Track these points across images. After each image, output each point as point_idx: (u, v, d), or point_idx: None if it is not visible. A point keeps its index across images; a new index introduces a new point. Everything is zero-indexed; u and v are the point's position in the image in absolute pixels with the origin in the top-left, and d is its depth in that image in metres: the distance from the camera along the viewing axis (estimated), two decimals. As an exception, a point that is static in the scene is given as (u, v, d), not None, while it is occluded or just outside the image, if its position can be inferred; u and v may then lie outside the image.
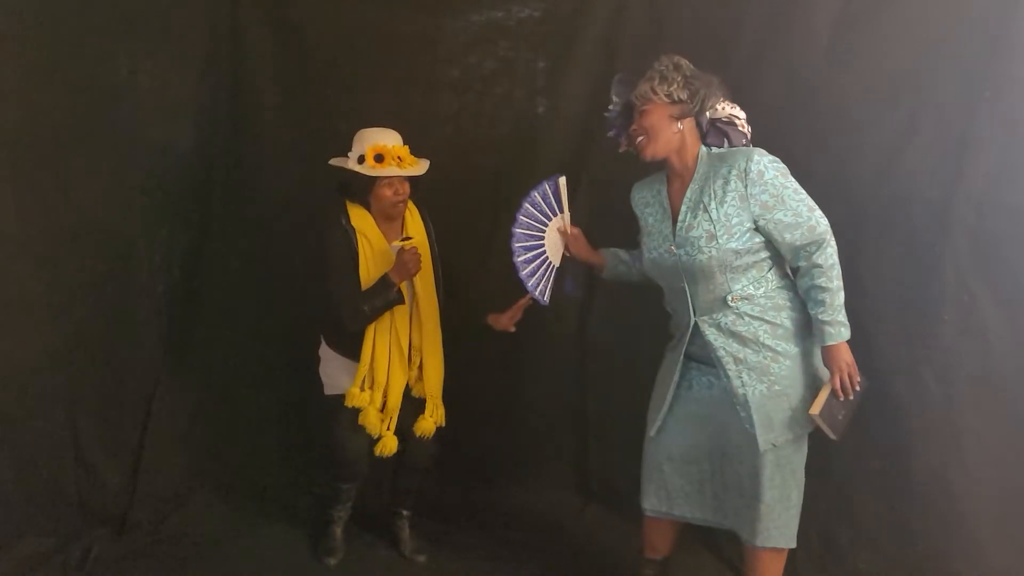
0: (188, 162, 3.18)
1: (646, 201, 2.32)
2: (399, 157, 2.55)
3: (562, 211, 2.33)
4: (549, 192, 2.29)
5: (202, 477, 3.23)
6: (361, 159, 2.55)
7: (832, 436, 2.13)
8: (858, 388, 2.13)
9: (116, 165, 2.96)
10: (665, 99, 2.14)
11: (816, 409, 2.09)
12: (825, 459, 2.41)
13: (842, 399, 2.12)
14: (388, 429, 2.63)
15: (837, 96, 2.56)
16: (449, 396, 2.75)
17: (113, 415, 3.04)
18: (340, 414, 2.66)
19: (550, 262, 2.34)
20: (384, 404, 2.64)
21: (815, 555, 2.63)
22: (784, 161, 2.12)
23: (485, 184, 3.11)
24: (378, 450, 2.63)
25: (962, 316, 2.41)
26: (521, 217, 2.29)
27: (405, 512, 2.90)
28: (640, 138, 2.17)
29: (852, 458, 2.32)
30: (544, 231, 2.31)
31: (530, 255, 2.30)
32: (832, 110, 2.57)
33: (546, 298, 2.35)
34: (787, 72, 2.63)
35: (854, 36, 2.54)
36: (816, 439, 2.20)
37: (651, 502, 2.35)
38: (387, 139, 2.58)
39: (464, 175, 2.98)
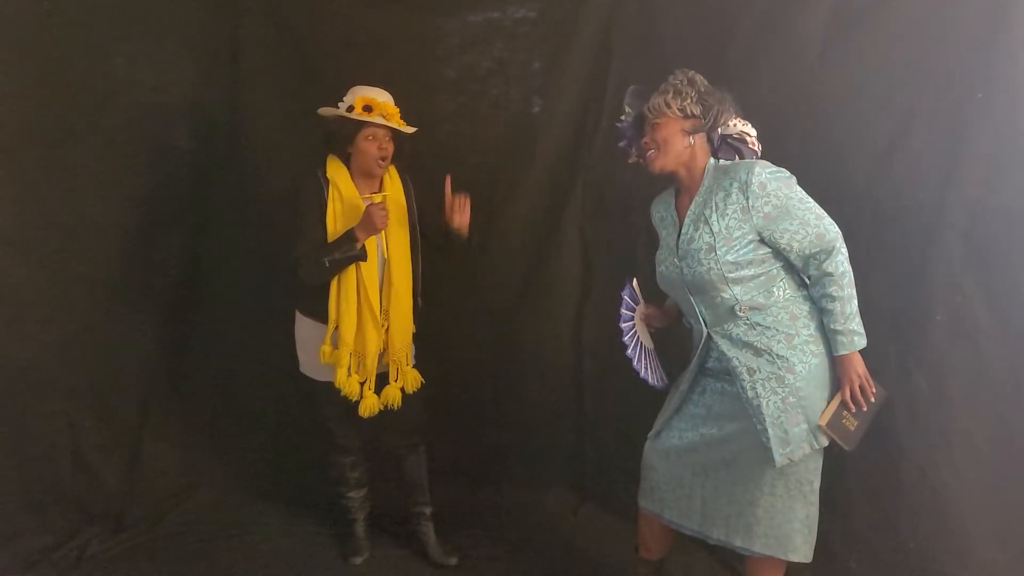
0: (186, 161, 3.19)
1: (661, 216, 2.32)
2: (387, 112, 2.51)
3: (638, 303, 2.41)
4: (626, 296, 2.37)
5: (200, 476, 3.25)
6: (350, 109, 2.52)
7: (845, 447, 2.10)
8: (873, 399, 2.09)
9: (114, 164, 2.97)
10: (678, 113, 2.14)
11: (824, 420, 2.06)
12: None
13: (854, 410, 2.09)
14: (369, 388, 2.55)
15: (829, 98, 2.57)
16: (444, 395, 2.76)
17: (111, 413, 3.05)
18: (316, 389, 2.66)
19: (648, 348, 2.42)
20: (360, 365, 2.55)
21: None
22: (776, 163, 2.12)
23: (481, 184, 3.12)
24: (362, 411, 2.56)
25: (954, 317, 2.41)
26: (622, 325, 2.35)
27: (427, 511, 2.86)
28: (651, 151, 2.17)
29: (843, 458, 2.32)
30: (634, 324, 2.39)
31: (632, 348, 2.36)
32: (824, 112, 2.58)
33: (657, 381, 2.40)
34: (779, 75, 2.64)
35: (846, 39, 2.54)
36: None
37: (644, 500, 2.36)
38: (378, 95, 2.54)
39: (460, 175, 2.97)
